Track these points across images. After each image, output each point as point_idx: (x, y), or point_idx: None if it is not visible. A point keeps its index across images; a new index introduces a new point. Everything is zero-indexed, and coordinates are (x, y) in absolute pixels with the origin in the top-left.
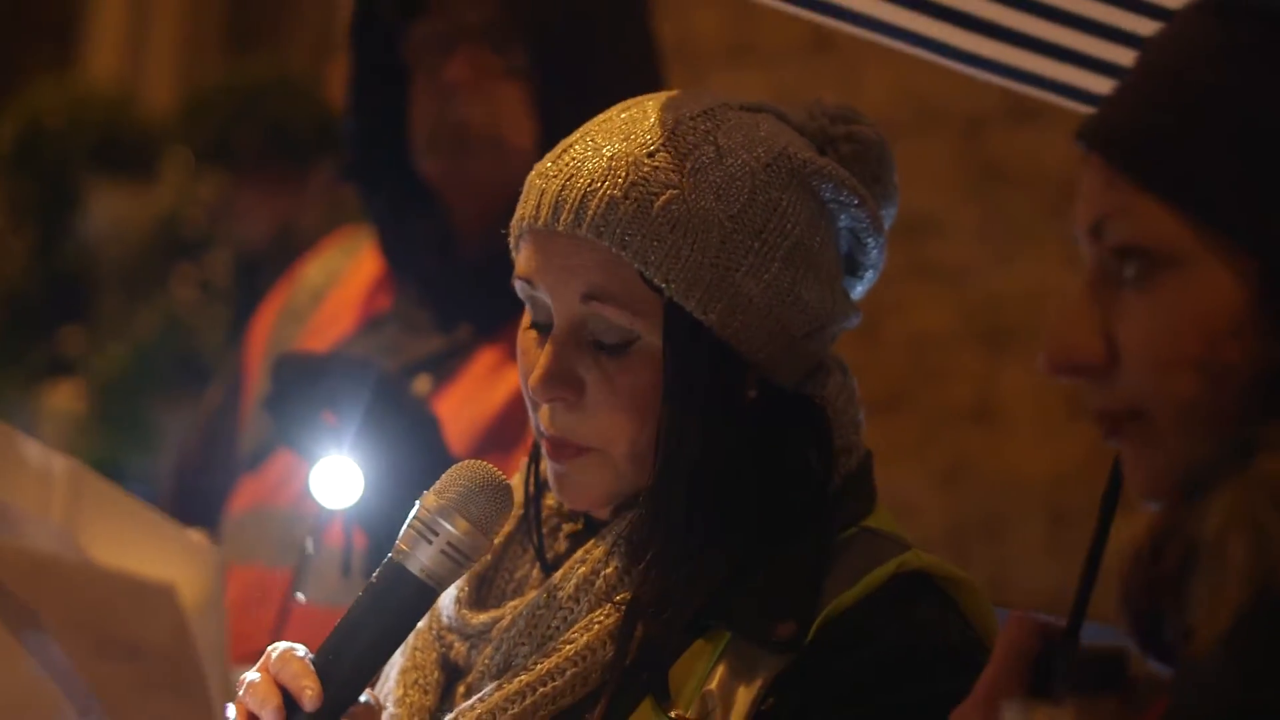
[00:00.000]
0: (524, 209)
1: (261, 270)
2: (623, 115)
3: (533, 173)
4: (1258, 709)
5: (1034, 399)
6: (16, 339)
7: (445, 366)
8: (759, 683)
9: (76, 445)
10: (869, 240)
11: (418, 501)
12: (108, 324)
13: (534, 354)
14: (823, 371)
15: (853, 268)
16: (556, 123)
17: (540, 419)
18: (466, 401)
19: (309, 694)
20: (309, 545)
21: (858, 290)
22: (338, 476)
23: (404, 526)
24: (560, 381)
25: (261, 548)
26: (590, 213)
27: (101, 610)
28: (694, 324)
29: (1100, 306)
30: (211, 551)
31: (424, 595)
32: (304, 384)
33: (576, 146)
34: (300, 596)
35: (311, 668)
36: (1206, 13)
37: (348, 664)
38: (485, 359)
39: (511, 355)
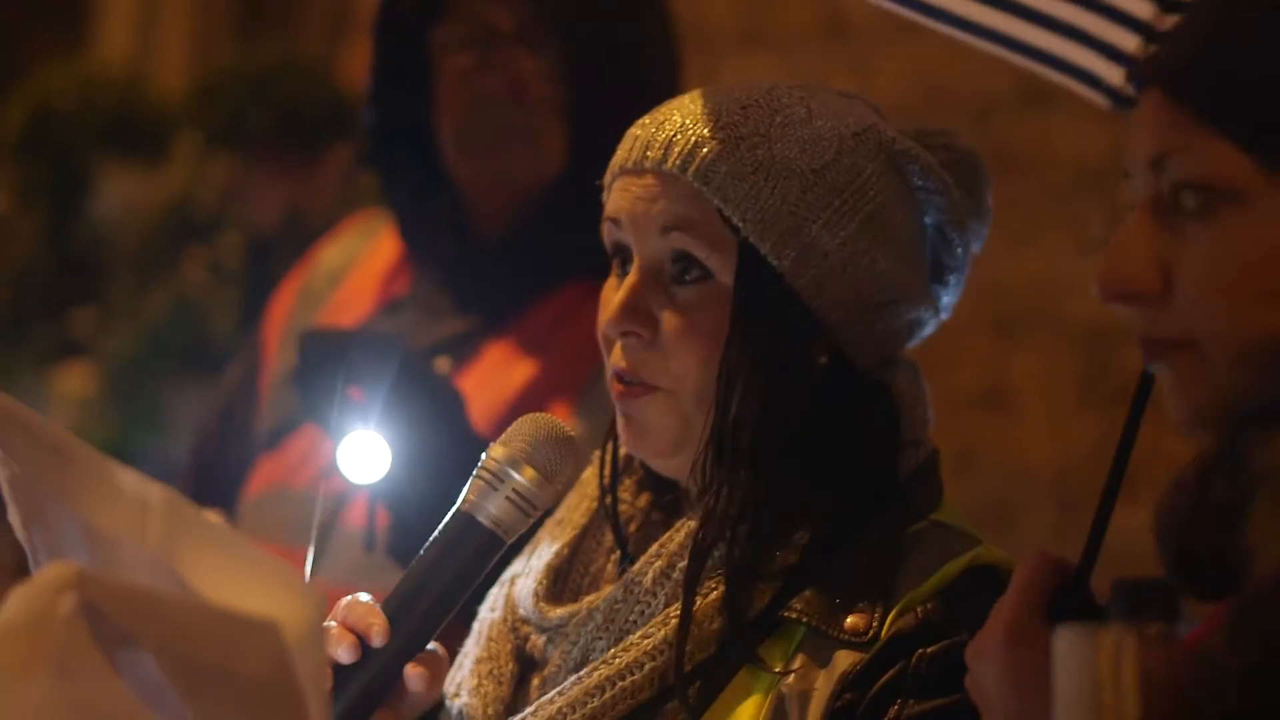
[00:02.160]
0: (617, 156)
1: (272, 253)
2: (722, 85)
3: (631, 127)
4: None
5: (1043, 386)
6: (27, 320)
7: (464, 349)
8: (835, 677)
9: (87, 427)
10: (954, 236)
11: (483, 453)
12: (118, 306)
13: (611, 295)
14: (895, 366)
15: (939, 271)
16: (590, 123)
17: (613, 356)
18: (486, 383)
19: (376, 629)
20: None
21: (945, 301)
22: (365, 451)
23: (470, 478)
24: (634, 314)
25: (279, 528)
26: (678, 150)
27: (203, 644)
28: (768, 268)
29: (1157, 237)
30: (312, 585)
31: (492, 544)
32: (330, 359)
33: (674, 101)
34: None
35: (378, 608)
36: None
37: (418, 611)
38: (504, 341)
39: (529, 338)
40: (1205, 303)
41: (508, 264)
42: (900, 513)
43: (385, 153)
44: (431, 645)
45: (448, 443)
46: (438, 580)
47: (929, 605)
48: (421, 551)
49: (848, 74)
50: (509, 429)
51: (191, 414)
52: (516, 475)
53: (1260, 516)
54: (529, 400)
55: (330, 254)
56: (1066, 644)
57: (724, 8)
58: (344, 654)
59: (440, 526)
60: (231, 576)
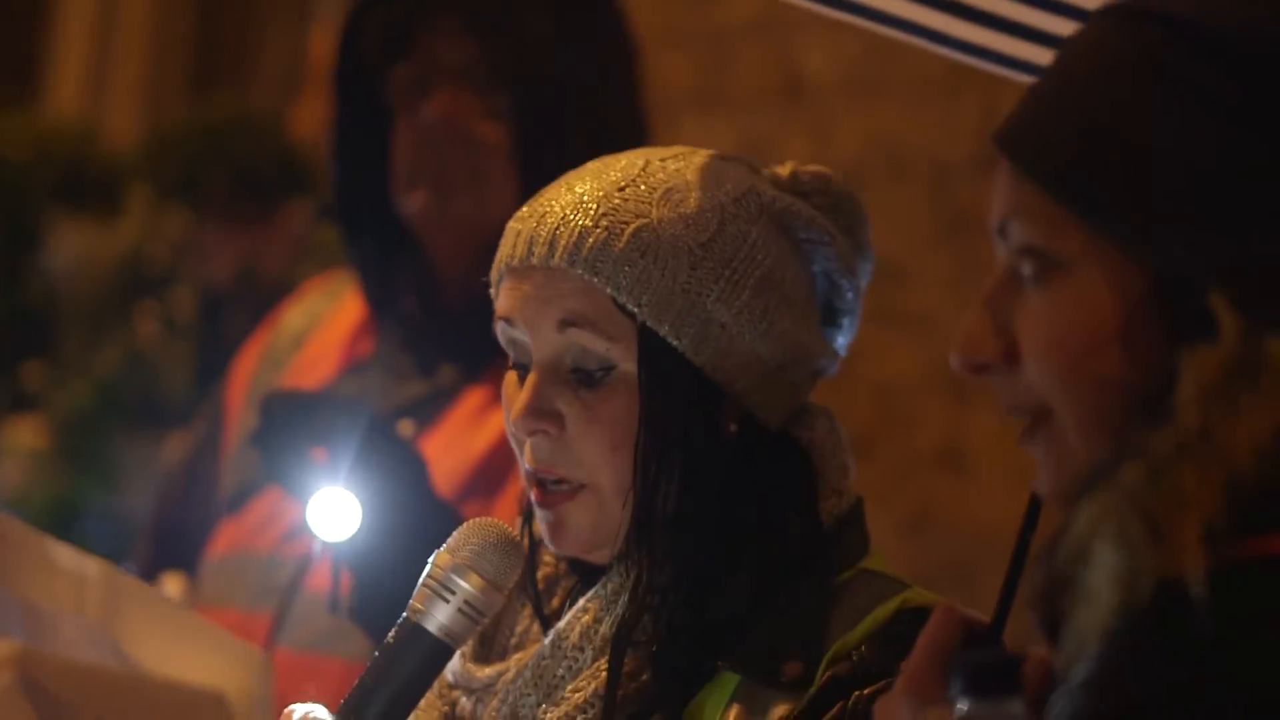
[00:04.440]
0: (501, 253)
1: (225, 309)
2: (595, 163)
3: (510, 221)
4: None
5: (1001, 447)
6: None
7: (428, 411)
8: None
9: (37, 481)
10: (843, 282)
11: (430, 560)
12: (70, 360)
13: (515, 394)
14: (808, 414)
15: (831, 315)
16: (538, 167)
17: (525, 456)
18: (449, 446)
19: None
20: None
21: (839, 342)
22: (335, 509)
23: (418, 585)
24: (539, 414)
25: (240, 591)
26: (562, 243)
27: (149, 716)
28: (669, 349)
29: (1003, 306)
30: (258, 655)
31: (441, 653)
32: (295, 420)
33: (550, 190)
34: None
35: None
36: (1118, 18)
37: None
38: (468, 403)
39: (495, 399)
40: (1043, 366)
41: (470, 325)
42: (828, 563)
43: (347, 209)
44: None
45: (410, 507)
46: (387, 692)
47: (862, 649)
48: (372, 659)
49: (805, 136)
50: (454, 535)
51: (143, 469)
52: (465, 584)
53: (1079, 589)
54: (493, 462)
55: (293, 315)
56: None
57: (681, 69)
58: None
59: (390, 635)
60: (176, 647)
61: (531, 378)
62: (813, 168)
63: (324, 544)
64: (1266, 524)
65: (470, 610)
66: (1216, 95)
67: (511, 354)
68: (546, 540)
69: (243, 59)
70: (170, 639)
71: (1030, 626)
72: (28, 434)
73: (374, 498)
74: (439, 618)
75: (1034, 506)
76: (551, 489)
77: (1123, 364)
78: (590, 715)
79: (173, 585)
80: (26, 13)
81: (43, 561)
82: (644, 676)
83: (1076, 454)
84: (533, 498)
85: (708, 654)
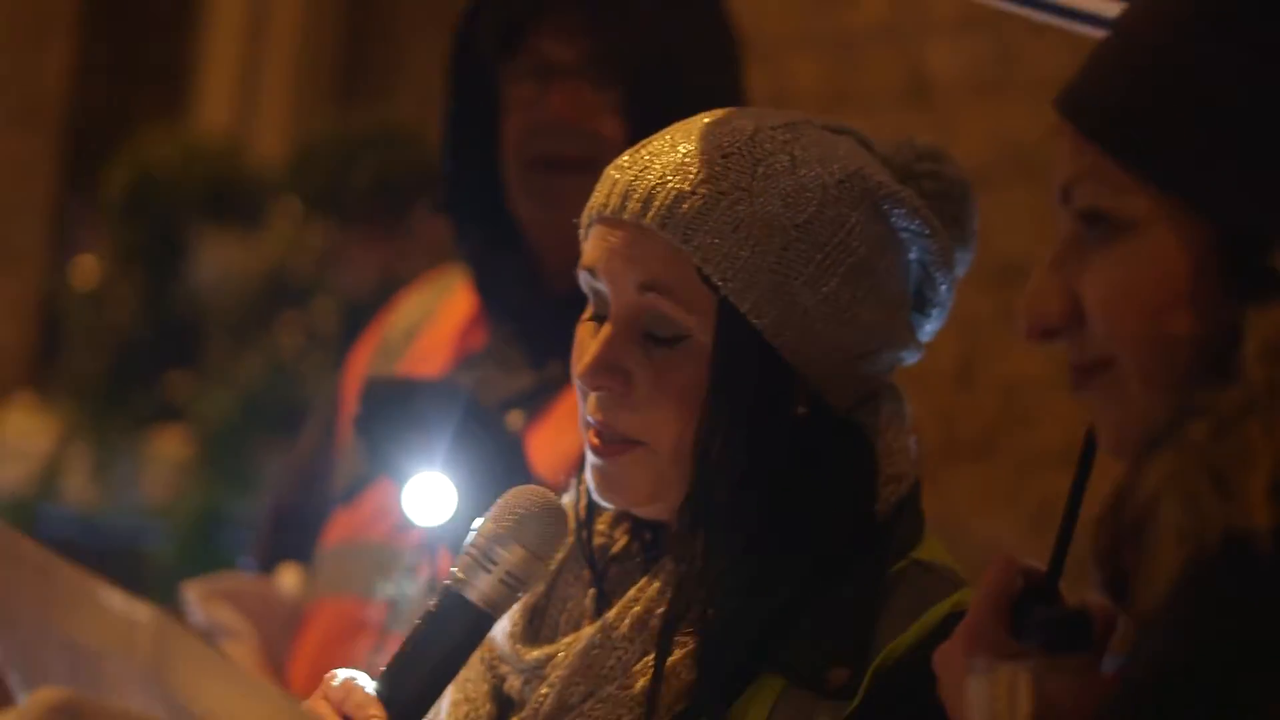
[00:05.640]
0: (595, 198)
1: (366, 318)
2: (706, 119)
3: (609, 165)
4: (1187, 676)
5: None
6: (125, 384)
7: (536, 402)
8: None
9: (182, 490)
10: (938, 275)
11: (473, 528)
12: (215, 370)
13: (588, 343)
14: (876, 399)
15: (921, 304)
16: None
17: (588, 406)
18: (558, 437)
19: None
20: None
21: (926, 330)
22: (431, 493)
23: (461, 551)
24: (608, 370)
25: (355, 580)
26: (657, 204)
27: None
28: (747, 327)
29: (1067, 269)
30: (309, 712)
31: (482, 622)
32: (393, 406)
33: (655, 143)
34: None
35: (374, 697)
36: None
37: (410, 692)
38: (574, 397)
39: None
40: (1109, 322)
41: (577, 316)
42: (881, 552)
43: (458, 203)
44: None
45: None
46: (429, 660)
47: (909, 657)
48: (413, 627)
49: (930, 136)
50: (498, 502)
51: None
52: (506, 554)
53: (1147, 545)
54: None
55: (407, 308)
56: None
57: (809, 71)
58: None
59: (430, 603)
60: (229, 700)
61: (605, 331)
62: (927, 143)
63: (422, 530)
64: None
65: (512, 580)
66: (1276, 49)
67: (591, 301)
68: (594, 491)
69: (388, 72)
70: (224, 690)
71: (1081, 572)
72: (173, 444)
73: (472, 482)
74: (480, 587)
75: (1088, 450)
76: (610, 441)
77: (1189, 321)
78: (638, 714)
79: (289, 576)
80: (176, 27)
81: (93, 603)
82: (689, 678)
83: (1136, 403)
84: (588, 444)
85: (754, 653)
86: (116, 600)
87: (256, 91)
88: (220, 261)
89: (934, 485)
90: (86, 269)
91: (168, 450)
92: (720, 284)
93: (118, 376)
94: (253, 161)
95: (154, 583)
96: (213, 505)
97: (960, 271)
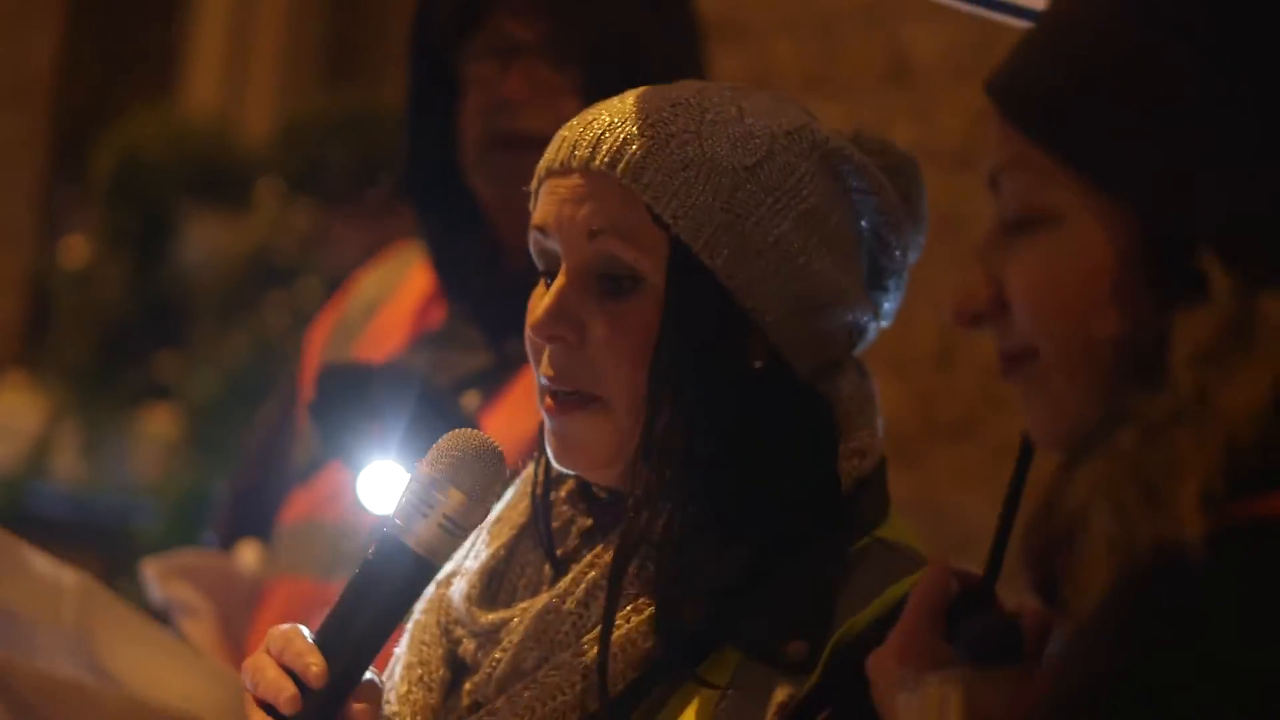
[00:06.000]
0: (544, 158)
1: None
2: (652, 87)
3: (560, 129)
4: (1120, 687)
5: None
6: (114, 363)
7: (493, 382)
8: (771, 706)
9: (171, 468)
10: (891, 239)
11: (410, 473)
12: (202, 350)
13: (539, 302)
14: (839, 372)
15: (878, 275)
16: None
17: (541, 366)
18: (514, 417)
19: (314, 670)
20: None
21: (886, 307)
22: (385, 481)
23: (398, 498)
24: (560, 319)
25: (311, 560)
26: (605, 147)
27: None
28: (700, 267)
29: (995, 257)
30: (233, 677)
31: (423, 569)
32: (349, 393)
33: (602, 103)
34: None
35: (314, 646)
36: None
37: (351, 642)
38: (531, 376)
39: None
40: (1031, 314)
41: None
42: (843, 528)
43: (416, 182)
44: (369, 674)
45: None
46: (370, 608)
47: (868, 634)
48: (353, 576)
49: (910, 120)
50: (434, 446)
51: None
52: (444, 498)
53: (1078, 554)
54: None
55: (366, 285)
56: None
57: (789, 55)
58: (285, 704)
59: (369, 551)
60: (152, 664)
61: (557, 282)
62: (873, 134)
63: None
64: (1263, 486)
65: (450, 525)
66: (1210, 44)
67: (540, 266)
68: (552, 457)
69: (376, 53)
70: (146, 655)
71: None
72: (161, 423)
73: None
74: (419, 533)
75: (1025, 454)
76: (564, 400)
77: (1112, 319)
78: (590, 681)
79: (249, 553)
80: (164, 8)
81: (20, 568)
82: (646, 644)
83: (1061, 397)
84: (543, 410)
85: (711, 623)
86: (42, 564)
87: (244, 73)
88: (207, 241)
89: (914, 466)
90: (75, 249)
91: (156, 429)
92: (671, 222)
93: (106, 356)
94: (241, 143)
95: (143, 560)
96: (200, 483)
97: (914, 253)
